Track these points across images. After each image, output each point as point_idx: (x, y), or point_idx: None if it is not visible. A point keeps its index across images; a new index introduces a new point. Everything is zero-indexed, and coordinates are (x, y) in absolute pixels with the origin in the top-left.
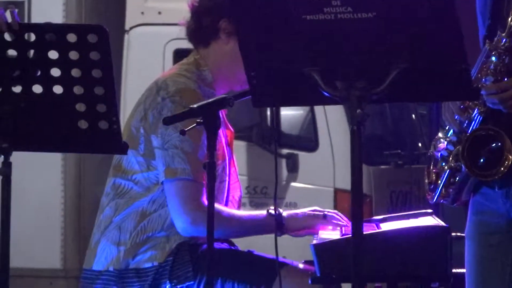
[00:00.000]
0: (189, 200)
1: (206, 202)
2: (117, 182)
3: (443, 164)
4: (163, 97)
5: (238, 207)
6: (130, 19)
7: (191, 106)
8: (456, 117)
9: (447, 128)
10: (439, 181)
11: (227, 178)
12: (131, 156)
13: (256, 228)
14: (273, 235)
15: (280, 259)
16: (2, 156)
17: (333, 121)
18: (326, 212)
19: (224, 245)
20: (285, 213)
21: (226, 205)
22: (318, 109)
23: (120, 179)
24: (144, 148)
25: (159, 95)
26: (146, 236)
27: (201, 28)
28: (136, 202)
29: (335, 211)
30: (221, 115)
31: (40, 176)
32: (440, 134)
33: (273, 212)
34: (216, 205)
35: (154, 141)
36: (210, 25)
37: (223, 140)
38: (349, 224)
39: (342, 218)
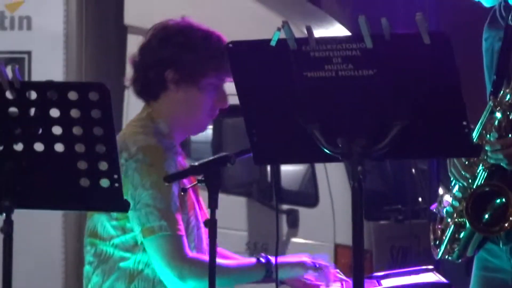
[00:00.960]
0: (173, 256)
1: (189, 254)
2: (98, 250)
3: (448, 220)
4: (125, 158)
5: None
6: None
7: (192, 164)
8: (463, 172)
9: (452, 183)
10: (444, 237)
11: (201, 225)
12: (105, 222)
13: (243, 277)
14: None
15: None
16: (4, 214)
17: (333, 176)
18: (318, 265)
19: None
20: (274, 258)
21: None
22: (318, 164)
23: (100, 245)
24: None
25: (122, 157)
26: None
27: (148, 83)
28: (121, 265)
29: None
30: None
31: (40, 232)
32: (441, 191)
33: (262, 260)
34: (201, 256)
35: None
36: (156, 78)
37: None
38: (346, 281)
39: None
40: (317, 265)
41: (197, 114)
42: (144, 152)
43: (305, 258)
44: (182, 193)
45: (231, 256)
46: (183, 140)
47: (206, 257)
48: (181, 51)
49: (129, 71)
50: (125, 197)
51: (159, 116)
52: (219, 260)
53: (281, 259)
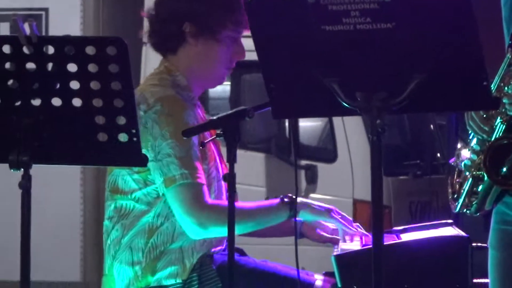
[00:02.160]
0: (192, 202)
1: (209, 201)
2: (118, 204)
3: (466, 173)
4: (144, 110)
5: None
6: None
7: (211, 118)
8: (481, 125)
9: (470, 137)
10: (462, 190)
11: (221, 177)
12: (126, 176)
13: (268, 217)
14: (291, 246)
15: (302, 272)
16: (22, 170)
17: (351, 132)
18: (344, 216)
19: (247, 260)
20: (299, 199)
21: None
22: (337, 120)
23: (121, 200)
24: None
25: (140, 109)
26: (159, 251)
27: (166, 37)
28: (141, 220)
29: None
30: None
31: (59, 189)
32: (459, 145)
33: (286, 199)
34: (221, 202)
35: None
36: (175, 32)
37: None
38: (366, 235)
39: (358, 228)
40: (343, 216)
41: (215, 66)
42: (163, 102)
43: (331, 207)
44: (201, 147)
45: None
46: (201, 93)
47: (225, 203)
48: (198, 3)
49: (146, 25)
50: (145, 149)
51: (177, 69)
52: (241, 203)
53: (306, 201)
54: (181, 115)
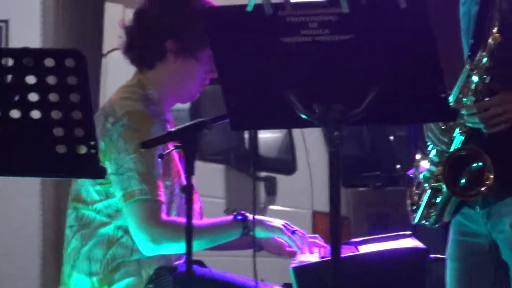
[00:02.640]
0: (146, 218)
1: (164, 217)
2: (79, 214)
3: (425, 185)
4: (112, 122)
5: (201, 219)
6: (107, 43)
7: (169, 130)
8: (440, 137)
9: (429, 148)
10: (421, 202)
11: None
12: (89, 186)
13: (220, 235)
14: (250, 258)
15: (260, 283)
16: None
17: (311, 143)
18: (296, 229)
19: (205, 271)
20: (252, 216)
21: None
22: (296, 131)
23: (82, 210)
24: None
25: (108, 122)
26: (117, 262)
27: (144, 51)
28: (101, 231)
29: (317, 236)
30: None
31: (18, 198)
32: (418, 156)
33: (239, 217)
34: (177, 219)
35: (108, 168)
36: (155, 48)
37: (176, 156)
38: (324, 247)
39: (321, 245)
40: (295, 231)
41: (191, 84)
42: (130, 117)
43: (282, 224)
44: (159, 159)
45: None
46: (172, 107)
47: (180, 219)
48: (183, 21)
49: (107, 38)
50: (108, 161)
51: (150, 84)
52: (196, 221)
53: (258, 217)
54: (147, 130)
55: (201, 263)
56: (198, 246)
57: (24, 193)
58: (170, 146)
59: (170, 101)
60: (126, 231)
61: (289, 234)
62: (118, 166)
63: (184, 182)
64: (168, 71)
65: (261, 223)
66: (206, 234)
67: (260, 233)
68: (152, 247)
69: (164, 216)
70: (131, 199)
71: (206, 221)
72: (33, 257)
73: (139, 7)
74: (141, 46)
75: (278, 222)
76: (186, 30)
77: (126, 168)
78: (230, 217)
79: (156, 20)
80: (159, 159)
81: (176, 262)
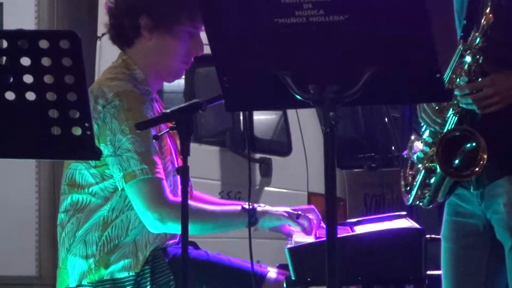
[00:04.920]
0: (153, 198)
1: (170, 197)
2: (74, 198)
3: (419, 165)
4: (102, 105)
5: (191, 196)
6: (102, 26)
7: (164, 111)
8: (433, 117)
9: (423, 129)
10: (415, 183)
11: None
12: (84, 170)
13: (229, 223)
14: (246, 240)
15: (256, 265)
16: None
17: (305, 125)
18: (300, 213)
19: (200, 253)
20: (259, 208)
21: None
22: (291, 113)
23: (77, 194)
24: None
25: (98, 104)
26: (113, 244)
27: (122, 29)
28: (96, 213)
29: (312, 206)
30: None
31: (14, 182)
32: (413, 137)
33: (246, 207)
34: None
35: (104, 150)
36: (131, 25)
37: (167, 135)
38: (323, 226)
39: (317, 216)
40: (300, 212)
41: (171, 61)
42: (121, 97)
43: (287, 209)
44: (154, 140)
45: (214, 200)
46: (159, 87)
47: (190, 202)
48: None
49: (101, 18)
50: (103, 144)
51: (134, 63)
52: (204, 206)
53: (265, 209)
54: (140, 109)
55: (194, 245)
56: (204, 229)
57: (19, 175)
58: (163, 126)
59: (155, 80)
60: (121, 211)
61: (294, 219)
62: (115, 147)
63: (175, 160)
64: (146, 48)
65: (267, 212)
66: (215, 219)
67: (266, 222)
68: (159, 225)
69: (169, 195)
70: (133, 180)
71: (215, 207)
72: (29, 241)
73: None
74: (118, 25)
75: (282, 210)
76: (159, 6)
77: (124, 149)
78: (239, 207)
79: None
80: (153, 139)
81: (171, 242)
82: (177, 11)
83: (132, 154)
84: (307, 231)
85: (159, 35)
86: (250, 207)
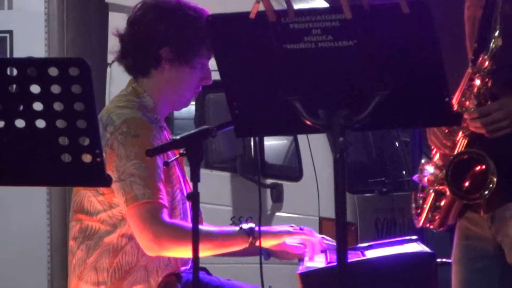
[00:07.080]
0: (149, 219)
1: (166, 218)
2: (83, 225)
3: (429, 188)
4: (111, 132)
5: (201, 224)
6: (112, 53)
7: (174, 137)
8: (443, 140)
9: (433, 152)
10: (425, 205)
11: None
12: (92, 197)
13: (226, 244)
14: (257, 265)
15: None
16: None
17: (316, 150)
18: (303, 229)
19: (212, 279)
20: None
21: None
22: (302, 138)
23: (86, 221)
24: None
25: (107, 131)
26: (124, 270)
27: (140, 59)
28: (106, 240)
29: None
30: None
31: (25, 209)
32: (423, 160)
33: (244, 228)
34: (179, 221)
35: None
36: (151, 55)
37: (175, 163)
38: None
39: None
40: (302, 228)
41: (184, 91)
42: (129, 124)
43: (289, 228)
44: (165, 166)
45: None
46: (167, 115)
47: (185, 223)
48: (177, 29)
49: (111, 45)
50: (110, 170)
51: (145, 91)
52: (201, 227)
53: (265, 228)
54: (147, 136)
55: (206, 271)
56: (203, 251)
57: (31, 202)
58: (171, 154)
59: (164, 108)
60: (131, 238)
61: (297, 234)
62: (119, 172)
63: (184, 188)
64: (164, 78)
65: (268, 232)
66: (213, 240)
67: (268, 242)
68: (155, 246)
69: (166, 217)
70: (133, 203)
71: (213, 227)
72: (41, 268)
73: (133, 14)
74: (136, 54)
75: (283, 227)
76: (182, 38)
77: (128, 174)
78: (237, 228)
79: (151, 27)
80: (161, 165)
81: (182, 268)
82: (197, 43)
83: (135, 179)
84: (312, 243)
85: (179, 67)
86: (247, 228)
